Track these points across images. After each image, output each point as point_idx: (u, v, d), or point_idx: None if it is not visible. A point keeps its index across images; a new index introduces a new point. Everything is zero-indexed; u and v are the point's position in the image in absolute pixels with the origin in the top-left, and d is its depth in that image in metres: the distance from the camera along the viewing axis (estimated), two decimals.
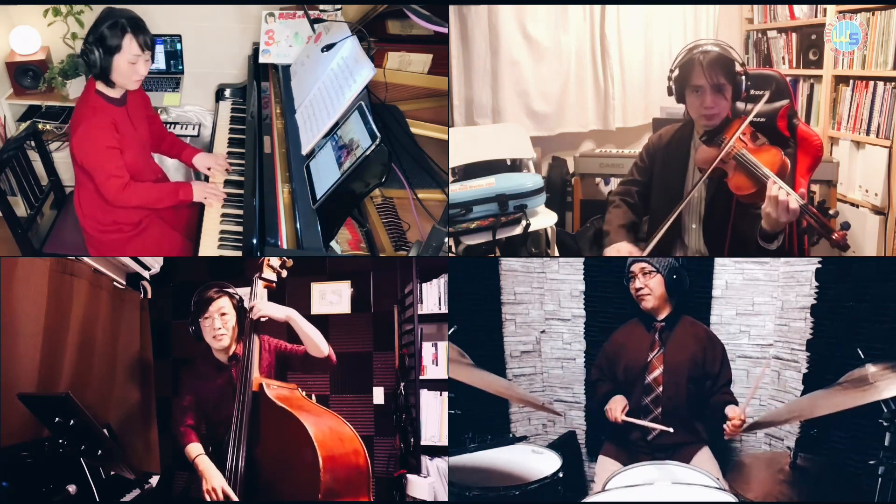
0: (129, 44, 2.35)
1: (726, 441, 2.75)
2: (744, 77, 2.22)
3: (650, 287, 2.41)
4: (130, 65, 2.37)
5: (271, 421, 2.10)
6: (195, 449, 2.22)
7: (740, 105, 2.32)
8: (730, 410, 2.28)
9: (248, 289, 2.35)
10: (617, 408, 2.35)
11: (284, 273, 2.36)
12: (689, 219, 2.41)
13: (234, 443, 2.10)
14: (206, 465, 2.16)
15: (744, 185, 2.15)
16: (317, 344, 2.28)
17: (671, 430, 2.25)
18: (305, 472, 1.97)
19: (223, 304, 2.32)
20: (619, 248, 2.38)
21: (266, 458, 2.09)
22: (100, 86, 2.43)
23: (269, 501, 2.08)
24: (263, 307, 2.27)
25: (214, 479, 2.11)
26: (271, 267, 2.32)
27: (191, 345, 2.40)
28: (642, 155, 2.51)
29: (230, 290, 2.37)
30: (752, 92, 2.28)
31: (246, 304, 2.34)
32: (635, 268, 2.44)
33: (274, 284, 2.34)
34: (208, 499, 2.09)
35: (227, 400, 2.26)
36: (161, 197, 2.54)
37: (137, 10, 2.46)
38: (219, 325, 2.30)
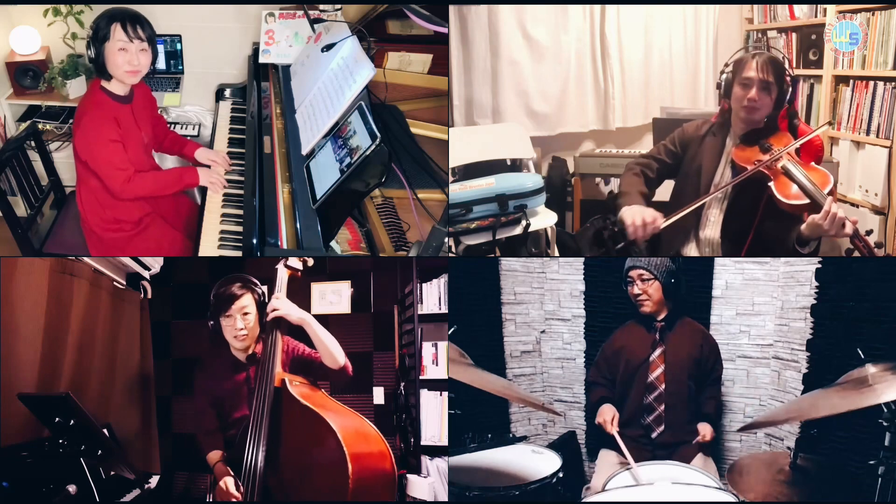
0: (115, 30, 2.37)
1: (725, 441, 2.77)
2: (790, 89, 2.29)
3: (649, 293, 2.44)
4: (120, 52, 2.38)
5: (294, 419, 2.01)
6: (215, 456, 2.20)
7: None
8: (701, 427, 2.38)
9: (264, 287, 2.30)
10: (608, 420, 2.37)
11: (311, 262, 2.27)
12: (710, 209, 2.42)
13: (252, 440, 2.01)
14: (222, 471, 2.13)
15: (791, 194, 2.19)
16: (332, 353, 2.18)
17: (635, 464, 2.18)
18: (331, 474, 1.90)
19: (246, 303, 2.24)
20: (643, 211, 2.30)
21: (287, 457, 2.01)
22: (103, 82, 2.45)
23: (285, 502, 2.02)
24: (281, 306, 2.18)
25: (221, 480, 2.08)
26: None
27: (191, 344, 2.39)
28: (674, 139, 2.51)
29: (253, 285, 2.29)
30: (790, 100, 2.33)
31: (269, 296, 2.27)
32: (633, 273, 2.46)
33: (299, 273, 2.26)
34: (218, 498, 2.07)
35: (242, 399, 2.22)
36: (167, 184, 2.55)
37: (137, 9, 2.47)
38: (241, 325, 2.22)
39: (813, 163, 2.27)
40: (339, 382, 2.26)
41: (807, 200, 2.16)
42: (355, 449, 1.93)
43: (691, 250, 2.46)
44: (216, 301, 2.25)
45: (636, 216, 2.29)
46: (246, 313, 2.24)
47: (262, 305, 2.27)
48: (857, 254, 2.12)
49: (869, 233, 2.16)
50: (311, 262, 2.27)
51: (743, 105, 2.31)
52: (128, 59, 2.40)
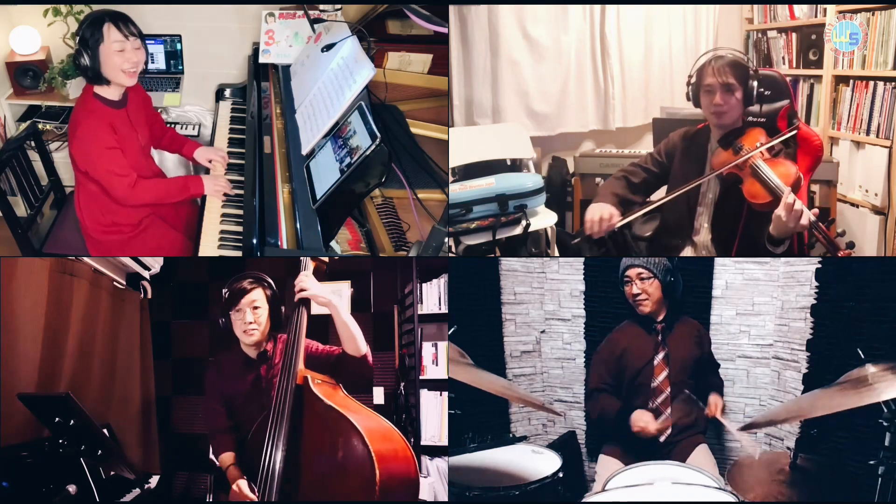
0: (109, 31, 2.33)
1: (726, 441, 2.77)
2: (756, 83, 2.30)
3: (648, 292, 2.43)
4: (117, 53, 2.35)
5: (316, 419, 1.91)
6: (228, 458, 2.14)
7: (754, 109, 2.37)
8: (711, 398, 2.44)
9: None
10: (650, 424, 2.33)
11: (336, 256, 2.24)
12: (700, 216, 2.44)
13: (271, 439, 1.89)
14: (235, 474, 2.08)
15: (758, 194, 2.21)
16: (356, 339, 2.06)
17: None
18: (356, 477, 1.82)
19: (256, 297, 2.18)
20: (602, 208, 2.37)
21: (307, 458, 1.90)
22: (97, 88, 2.42)
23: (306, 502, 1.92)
24: (309, 285, 2.06)
25: (234, 483, 2.03)
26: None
27: (191, 344, 2.39)
28: (661, 149, 2.53)
29: (266, 281, 2.24)
30: (766, 93, 2.32)
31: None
32: (631, 273, 2.44)
33: (324, 266, 2.16)
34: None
35: (253, 398, 2.16)
36: (171, 192, 2.54)
37: (138, 9, 2.47)
38: (250, 318, 2.16)
39: (786, 163, 2.25)
40: (358, 376, 2.13)
41: (770, 199, 2.17)
42: (382, 452, 1.84)
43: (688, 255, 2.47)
44: (227, 296, 2.20)
45: (594, 212, 2.36)
46: (256, 307, 2.18)
47: (273, 303, 2.23)
48: (818, 245, 2.13)
49: (831, 222, 2.17)
50: (336, 256, 2.23)
51: (711, 112, 2.34)
52: (126, 59, 2.36)
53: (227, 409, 2.22)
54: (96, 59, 2.35)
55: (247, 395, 2.19)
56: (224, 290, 2.22)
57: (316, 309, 2.12)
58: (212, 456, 2.19)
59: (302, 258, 2.13)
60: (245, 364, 2.23)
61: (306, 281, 2.06)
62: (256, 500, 1.93)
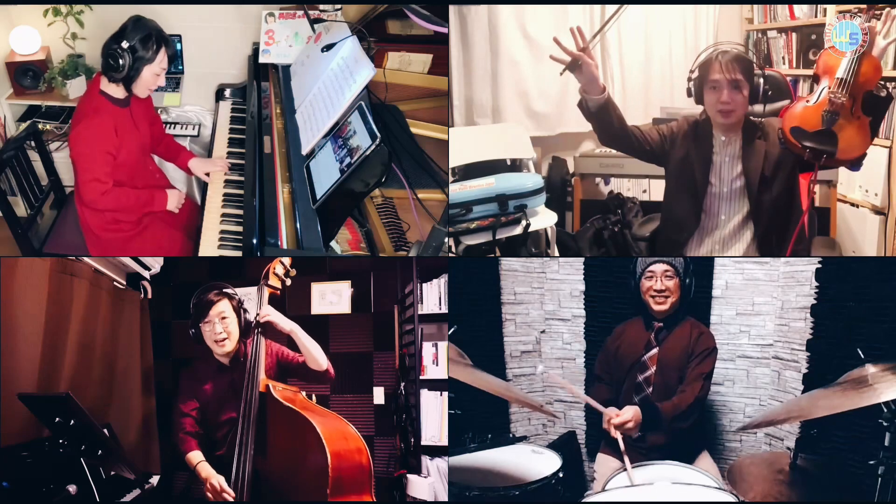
0: (162, 58, 2.43)
1: (726, 441, 2.77)
2: (762, 80, 2.22)
3: (670, 290, 2.38)
4: (155, 76, 2.44)
5: (279, 421, 2.13)
6: (196, 457, 2.25)
7: (758, 108, 2.31)
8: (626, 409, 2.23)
9: (247, 289, 2.34)
10: (611, 428, 2.28)
11: (289, 281, 2.39)
12: (728, 211, 2.32)
13: (240, 444, 2.11)
14: (207, 470, 2.20)
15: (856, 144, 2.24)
16: (316, 358, 2.31)
17: (630, 467, 2.13)
18: (314, 470, 2.02)
19: (223, 308, 2.31)
20: None
21: (274, 458, 2.12)
22: (105, 85, 2.44)
23: (276, 501, 2.10)
24: (273, 314, 2.28)
25: (213, 479, 2.15)
26: (277, 275, 2.35)
27: (191, 345, 2.40)
28: (664, 131, 2.38)
29: (229, 291, 2.36)
30: (769, 91, 2.26)
31: (251, 312, 2.34)
32: (656, 269, 2.38)
33: (278, 292, 2.36)
34: (211, 498, 2.13)
35: (228, 402, 2.27)
36: (137, 205, 2.56)
37: (138, 10, 2.47)
38: (220, 329, 2.29)
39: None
40: (324, 384, 2.42)
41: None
42: (336, 444, 2.06)
43: (701, 251, 2.39)
44: (194, 309, 2.33)
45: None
46: (224, 317, 2.31)
47: (239, 312, 2.35)
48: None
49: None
50: (288, 281, 2.38)
51: (718, 110, 2.24)
52: (159, 81, 2.48)
53: (200, 413, 2.33)
54: (138, 73, 2.42)
55: (221, 399, 2.31)
56: (192, 303, 2.34)
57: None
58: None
59: (259, 290, 2.32)
60: (218, 370, 2.35)
61: (267, 309, 2.29)
62: (234, 496, 2.09)
